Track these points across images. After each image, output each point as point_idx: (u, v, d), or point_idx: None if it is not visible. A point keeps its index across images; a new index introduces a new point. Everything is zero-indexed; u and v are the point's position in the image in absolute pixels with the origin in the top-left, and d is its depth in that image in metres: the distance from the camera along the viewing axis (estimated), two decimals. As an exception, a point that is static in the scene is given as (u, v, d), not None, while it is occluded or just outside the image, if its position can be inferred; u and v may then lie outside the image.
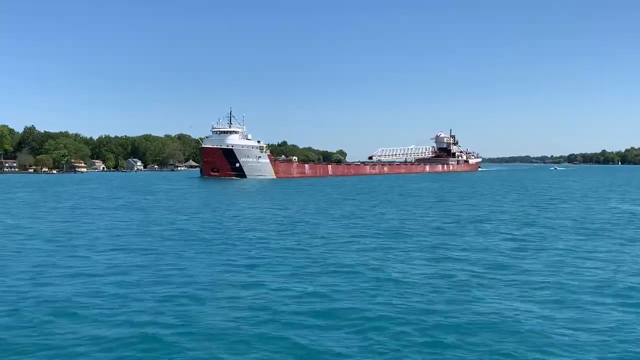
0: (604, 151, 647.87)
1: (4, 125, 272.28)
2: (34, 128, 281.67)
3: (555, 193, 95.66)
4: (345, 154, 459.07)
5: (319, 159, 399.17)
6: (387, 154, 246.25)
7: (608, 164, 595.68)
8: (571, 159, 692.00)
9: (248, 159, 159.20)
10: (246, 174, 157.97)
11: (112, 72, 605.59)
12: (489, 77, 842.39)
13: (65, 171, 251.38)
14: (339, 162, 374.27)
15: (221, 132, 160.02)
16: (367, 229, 43.01)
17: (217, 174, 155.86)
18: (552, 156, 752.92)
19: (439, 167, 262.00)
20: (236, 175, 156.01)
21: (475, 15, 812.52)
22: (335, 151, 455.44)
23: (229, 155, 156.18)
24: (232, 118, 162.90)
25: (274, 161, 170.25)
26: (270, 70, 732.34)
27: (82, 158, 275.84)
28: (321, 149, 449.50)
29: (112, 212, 57.02)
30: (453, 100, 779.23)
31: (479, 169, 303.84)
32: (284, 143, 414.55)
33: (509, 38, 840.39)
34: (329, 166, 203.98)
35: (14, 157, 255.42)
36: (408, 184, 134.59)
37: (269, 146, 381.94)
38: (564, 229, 43.13)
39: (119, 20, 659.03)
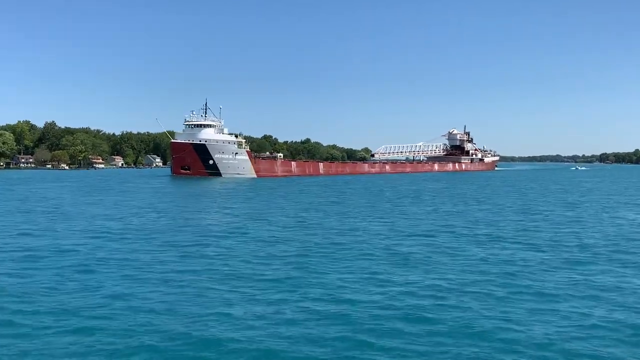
0: (637, 150, 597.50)
1: (26, 121, 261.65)
2: (54, 124, 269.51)
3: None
4: (370, 152, 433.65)
5: (342, 157, 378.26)
6: (392, 151, 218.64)
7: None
8: (603, 158, 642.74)
9: (223, 156, 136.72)
10: (221, 172, 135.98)
11: (138, 70, 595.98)
12: (517, 75, 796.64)
13: (82, 167, 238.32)
14: (363, 159, 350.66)
15: (194, 125, 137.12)
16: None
17: (188, 172, 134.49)
18: (583, 155, 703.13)
19: (449, 166, 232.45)
20: (210, 174, 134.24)
21: (500, 10, 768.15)
22: (360, 149, 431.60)
23: (202, 151, 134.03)
24: (207, 110, 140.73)
25: (254, 158, 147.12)
26: (295, 67, 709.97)
27: (100, 154, 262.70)
28: (346, 146, 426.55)
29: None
30: (475, 96, 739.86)
31: (496, 168, 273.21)
32: (307, 140, 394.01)
33: (534, 35, 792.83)
34: (320, 164, 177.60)
35: (33, 153, 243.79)
36: (396, 185, 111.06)
37: (292, 143, 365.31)
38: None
39: (144, 19, 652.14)
